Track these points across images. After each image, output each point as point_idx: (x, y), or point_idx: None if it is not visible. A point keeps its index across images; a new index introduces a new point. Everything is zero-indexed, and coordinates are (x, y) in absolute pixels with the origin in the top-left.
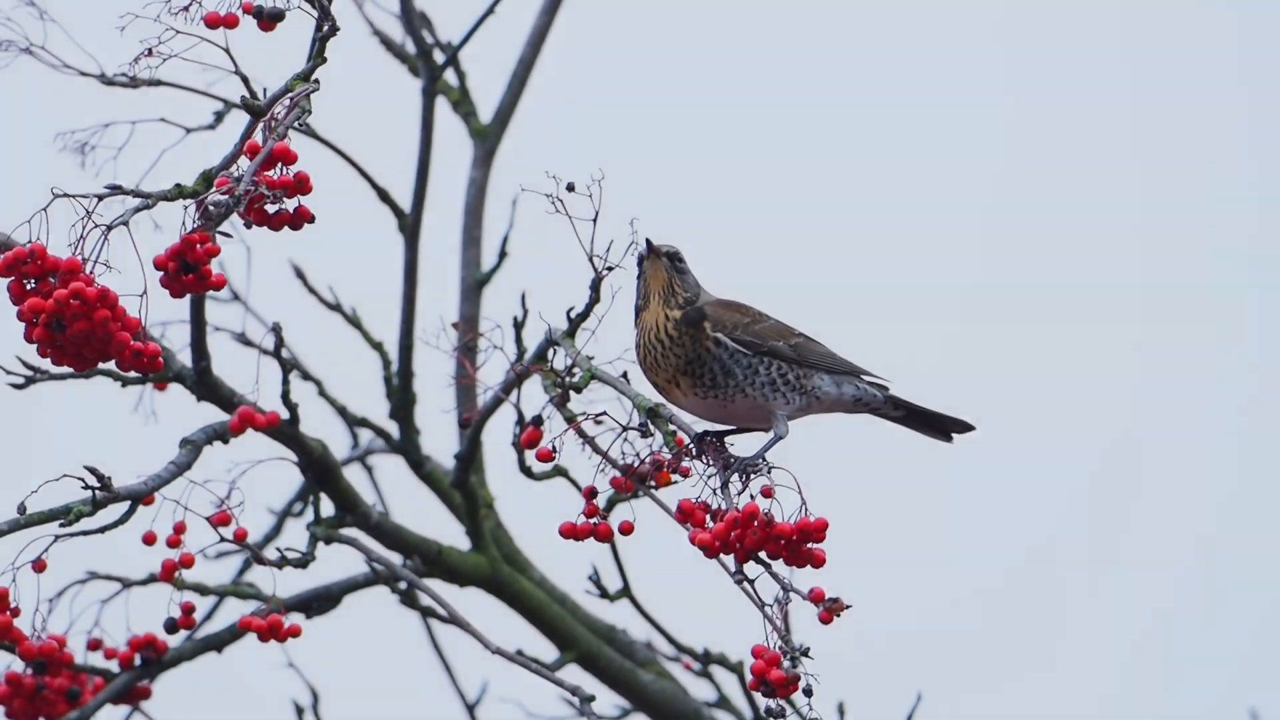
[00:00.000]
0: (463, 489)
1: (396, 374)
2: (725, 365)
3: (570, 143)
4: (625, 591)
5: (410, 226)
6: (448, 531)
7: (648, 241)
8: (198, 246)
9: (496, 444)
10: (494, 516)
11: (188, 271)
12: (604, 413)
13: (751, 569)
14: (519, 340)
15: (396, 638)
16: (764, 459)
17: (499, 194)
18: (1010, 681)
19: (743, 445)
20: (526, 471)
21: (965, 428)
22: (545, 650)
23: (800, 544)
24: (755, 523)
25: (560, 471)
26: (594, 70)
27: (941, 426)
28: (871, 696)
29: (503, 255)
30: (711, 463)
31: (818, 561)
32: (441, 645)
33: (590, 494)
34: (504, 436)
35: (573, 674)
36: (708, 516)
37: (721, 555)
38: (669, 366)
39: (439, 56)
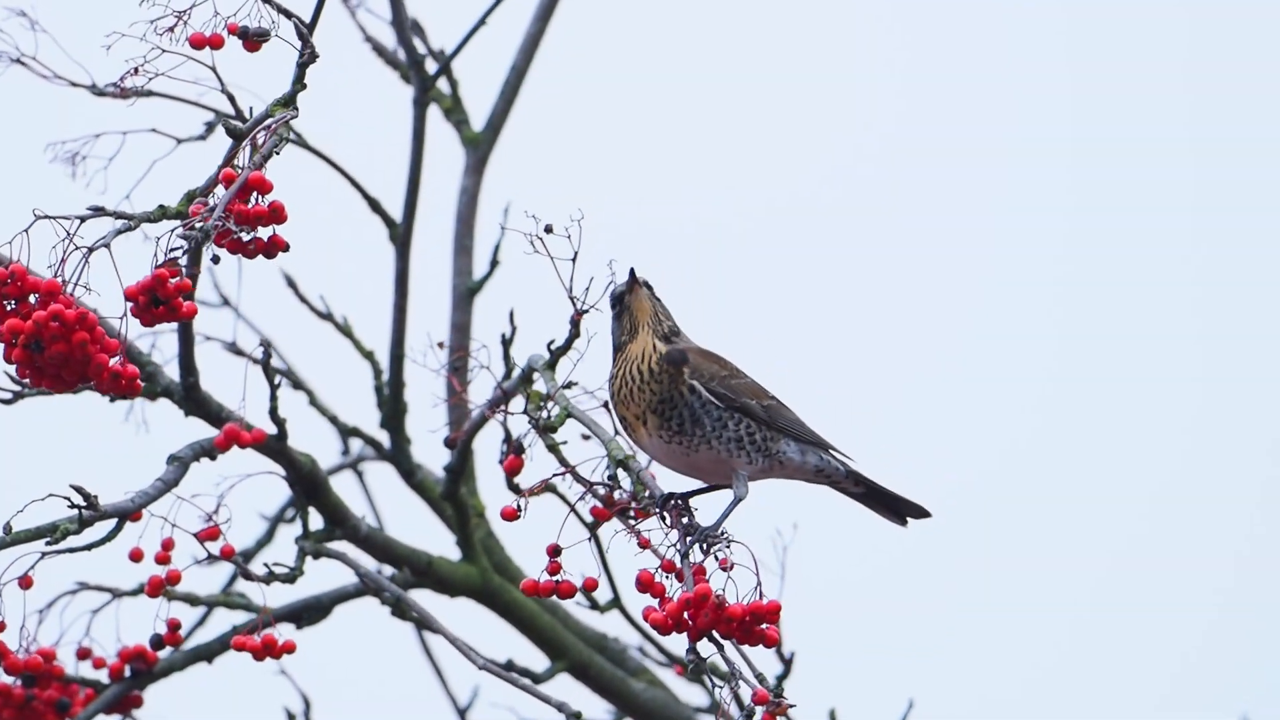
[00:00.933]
0: (453, 500)
1: (387, 383)
2: (695, 413)
3: (563, 151)
4: (615, 603)
5: (401, 236)
6: (440, 539)
7: (631, 272)
8: (168, 282)
9: (488, 454)
10: (485, 525)
11: (158, 305)
12: (586, 446)
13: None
14: (507, 358)
15: (388, 645)
16: (724, 530)
17: (491, 203)
18: (997, 684)
19: (706, 503)
20: (515, 489)
21: (922, 513)
22: (537, 660)
23: (753, 625)
24: (707, 604)
25: (549, 488)
26: (587, 79)
27: (897, 509)
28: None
29: (494, 264)
30: (673, 527)
31: (770, 641)
32: (433, 652)
33: (553, 551)
34: (495, 446)
35: (564, 683)
36: (670, 578)
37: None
38: (641, 402)
39: (431, 65)
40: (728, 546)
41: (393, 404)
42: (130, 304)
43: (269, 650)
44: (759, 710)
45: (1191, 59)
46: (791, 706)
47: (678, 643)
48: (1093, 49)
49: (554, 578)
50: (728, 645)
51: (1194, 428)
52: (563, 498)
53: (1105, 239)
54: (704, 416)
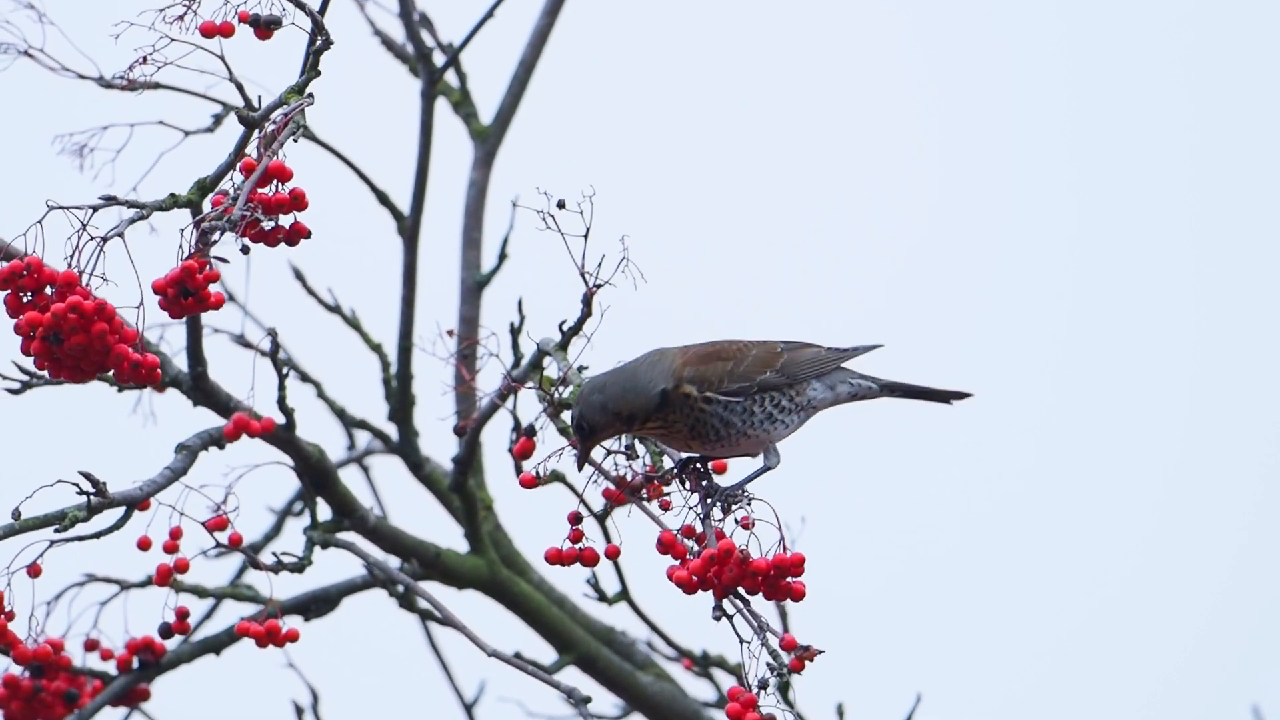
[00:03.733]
0: (461, 492)
1: (395, 376)
2: (724, 418)
3: (571, 145)
4: (624, 595)
5: (409, 229)
6: (448, 532)
7: (578, 461)
8: (197, 273)
9: (496, 445)
10: (493, 518)
11: (187, 296)
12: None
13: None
14: (515, 347)
15: (395, 638)
16: (744, 490)
17: (499, 196)
18: (1005, 677)
19: (729, 468)
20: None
21: (962, 395)
22: (544, 652)
23: (778, 579)
24: (732, 559)
25: (558, 477)
26: (595, 72)
27: (938, 398)
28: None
29: (502, 257)
30: (693, 490)
31: (796, 595)
32: (440, 646)
33: (575, 519)
34: (503, 438)
35: (572, 676)
36: (691, 542)
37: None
38: (679, 437)
39: (439, 58)
40: (749, 505)
41: (401, 396)
42: (159, 296)
43: (272, 637)
44: (788, 655)
45: (1194, 59)
46: (820, 652)
47: (685, 637)
48: (1095, 48)
49: (576, 545)
50: (754, 600)
51: (1200, 416)
52: (572, 488)
53: (1111, 237)
54: (732, 417)
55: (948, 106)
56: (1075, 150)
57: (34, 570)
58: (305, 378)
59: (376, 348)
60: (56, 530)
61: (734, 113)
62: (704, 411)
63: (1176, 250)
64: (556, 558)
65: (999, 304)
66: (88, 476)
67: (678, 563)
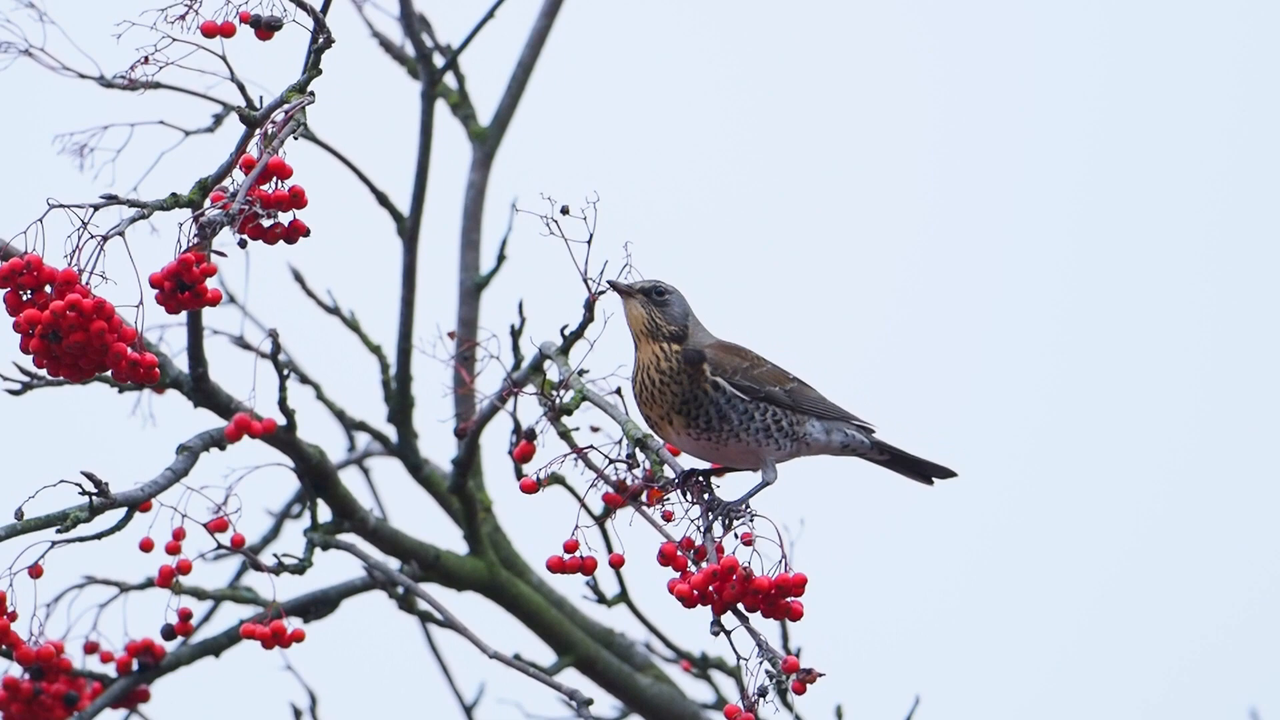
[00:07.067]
0: (460, 494)
1: (395, 378)
2: (721, 410)
3: (569, 147)
4: (623, 596)
5: (409, 230)
6: (447, 535)
7: (612, 284)
8: (194, 267)
9: (495, 447)
10: (492, 520)
11: (184, 290)
12: (597, 428)
13: (730, 619)
14: (516, 349)
15: (395, 641)
16: (748, 505)
17: (498, 197)
18: (1004, 680)
19: (730, 483)
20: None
21: (947, 473)
22: (543, 654)
23: (778, 598)
24: (734, 576)
25: (558, 479)
26: (593, 73)
27: (923, 471)
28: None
29: (501, 259)
30: (695, 503)
31: (795, 615)
32: (439, 648)
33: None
34: (503, 440)
35: (571, 678)
36: (691, 555)
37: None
38: (664, 403)
39: (438, 60)
40: (750, 521)
41: (400, 398)
42: (156, 290)
43: (278, 638)
44: (789, 677)
45: (1194, 70)
46: (821, 675)
47: (683, 639)
48: (1096, 62)
49: (574, 554)
50: (752, 618)
51: (1207, 418)
52: (572, 490)
53: (1116, 234)
54: (730, 411)
55: (947, 119)
56: (1077, 179)
57: (36, 571)
58: (305, 379)
59: (376, 349)
60: (58, 531)
61: (732, 114)
62: (705, 394)
63: (1170, 275)
64: (560, 566)
65: (999, 306)
66: (90, 477)
67: (678, 575)
